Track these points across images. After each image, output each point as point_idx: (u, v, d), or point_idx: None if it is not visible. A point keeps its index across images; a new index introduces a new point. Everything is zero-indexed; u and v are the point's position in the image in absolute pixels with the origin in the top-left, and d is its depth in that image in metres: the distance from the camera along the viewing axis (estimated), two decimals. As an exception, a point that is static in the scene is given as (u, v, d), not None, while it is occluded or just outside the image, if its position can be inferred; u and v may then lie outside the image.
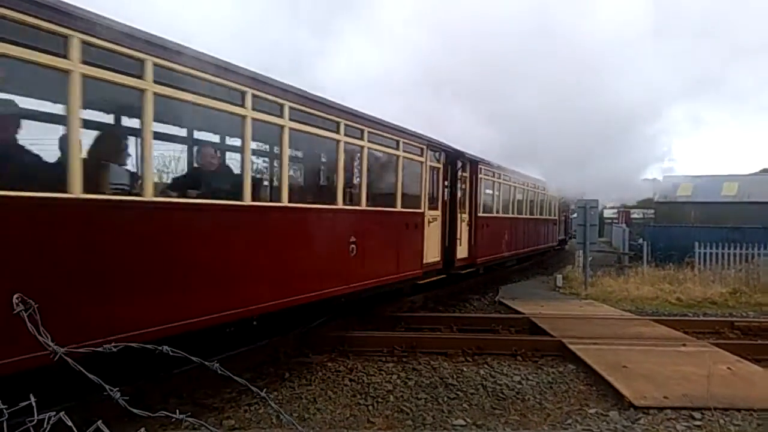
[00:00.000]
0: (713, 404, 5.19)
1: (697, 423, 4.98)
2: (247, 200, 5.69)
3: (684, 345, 7.98)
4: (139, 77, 4.43)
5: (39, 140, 4.69)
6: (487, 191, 14.34)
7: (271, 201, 6.72)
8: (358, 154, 8.08)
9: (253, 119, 5.71)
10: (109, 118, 5.75)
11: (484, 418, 5.50)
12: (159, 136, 5.73)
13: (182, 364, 5.00)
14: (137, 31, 4.36)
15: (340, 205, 7.45)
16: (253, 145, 6.40)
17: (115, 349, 1.49)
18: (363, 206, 8.09)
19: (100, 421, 1.43)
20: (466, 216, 12.58)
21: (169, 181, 6.65)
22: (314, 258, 6.85)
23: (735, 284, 13.89)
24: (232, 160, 6.88)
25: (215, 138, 7.32)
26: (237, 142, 6.51)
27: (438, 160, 10.99)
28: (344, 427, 5.21)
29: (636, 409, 5.34)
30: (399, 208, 9.14)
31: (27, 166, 4.28)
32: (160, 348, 1.58)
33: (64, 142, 4.12)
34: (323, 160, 8.44)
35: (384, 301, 9.84)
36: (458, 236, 11.97)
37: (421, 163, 9.98)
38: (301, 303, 6.62)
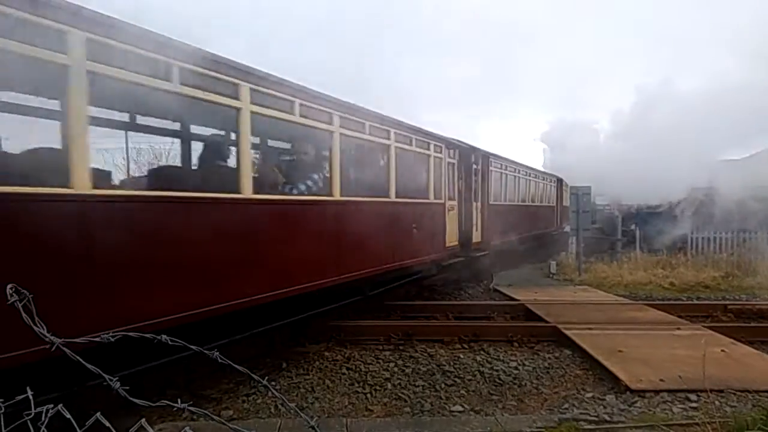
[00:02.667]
0: (709, 386, 5.20)
1: (693, 405, 5.02)
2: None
3: (678, 329, 8.04)
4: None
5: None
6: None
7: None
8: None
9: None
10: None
11: (481, 404, 5.52)
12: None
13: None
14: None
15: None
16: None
17: (112, 339, 1.46)
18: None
19: (99, 413, 1.40)
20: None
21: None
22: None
23: (727, 268, 14.02)
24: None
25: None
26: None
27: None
28: (343, 415, 5.22)
29: (632, 393, 5.37)
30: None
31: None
32: (159, 337, 1.54)
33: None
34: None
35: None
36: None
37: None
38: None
